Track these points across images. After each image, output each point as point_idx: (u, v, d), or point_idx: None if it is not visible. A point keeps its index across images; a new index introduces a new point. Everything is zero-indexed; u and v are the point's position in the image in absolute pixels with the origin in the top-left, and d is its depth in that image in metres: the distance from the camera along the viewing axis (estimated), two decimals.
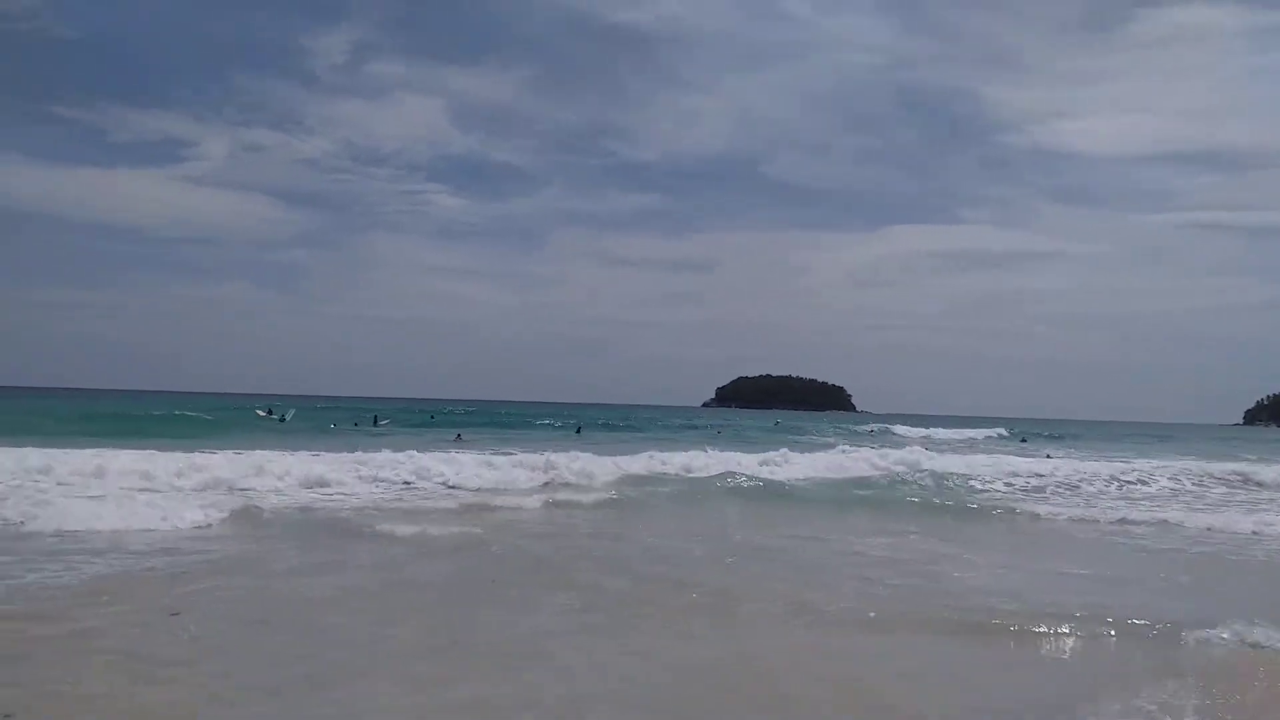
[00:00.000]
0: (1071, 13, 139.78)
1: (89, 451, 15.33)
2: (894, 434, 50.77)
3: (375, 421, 43.72)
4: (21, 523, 9.87)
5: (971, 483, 18.67)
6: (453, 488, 15.32)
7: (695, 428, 51.81)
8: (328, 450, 19.44)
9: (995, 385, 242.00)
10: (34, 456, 14.25)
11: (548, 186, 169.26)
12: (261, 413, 44.54)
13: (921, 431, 52.56)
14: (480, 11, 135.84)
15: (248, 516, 11.35)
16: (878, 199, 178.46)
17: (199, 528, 10.40)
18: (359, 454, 17.58)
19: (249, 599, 7.22)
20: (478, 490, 15.09)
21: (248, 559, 8.91)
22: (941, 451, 31.52)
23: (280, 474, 14.57)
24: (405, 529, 10.72)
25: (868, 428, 58.91)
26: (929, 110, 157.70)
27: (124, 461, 14.49)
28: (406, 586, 7.91)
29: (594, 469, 17.30)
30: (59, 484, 12.89)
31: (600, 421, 52.61)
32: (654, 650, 6.05)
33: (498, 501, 13.73)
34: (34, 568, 7.83)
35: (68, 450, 15.26)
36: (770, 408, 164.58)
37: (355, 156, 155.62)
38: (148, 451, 15.64)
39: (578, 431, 41.46)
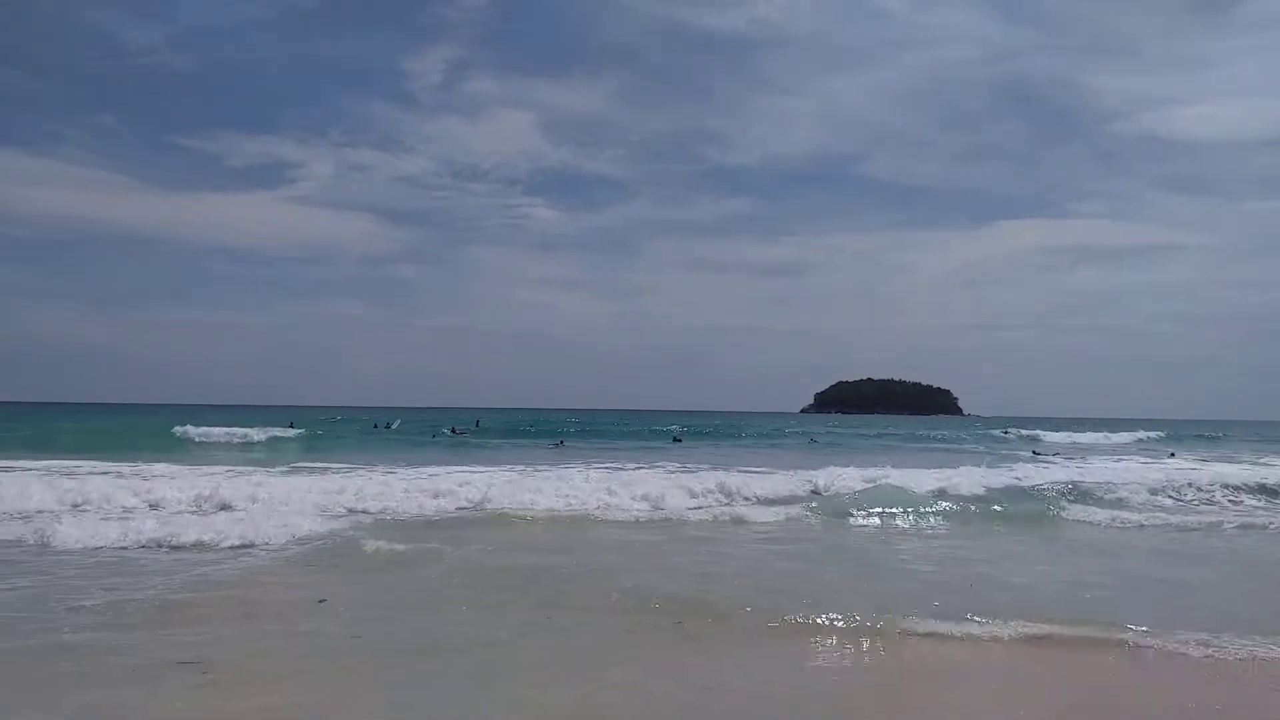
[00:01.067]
0: None
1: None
2: (1040, 440, 48.31)
3: (477, 425, 45.00)
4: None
5: (1133, 494, 16.89)
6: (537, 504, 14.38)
7: (797, 433, 51.09)
8: (452, 463, 20.07)
9: (1112, 386, 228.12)
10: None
11: (640, 195, 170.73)
12: (377, 425, 46.54)
13: (1061, 437, 49.82)
14: (569, 23, 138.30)
15: (382, 525, 12.04)
16: (981, 195, 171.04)
17: (328, 533, 11.06)
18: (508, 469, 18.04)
19: (379, 592, 8.05)
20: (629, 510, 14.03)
21: (375, 562, 9.52)
22: (1082, 458, 30.01)
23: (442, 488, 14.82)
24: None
25: (1003, 433, 56.21)
26: (1033, 102, 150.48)
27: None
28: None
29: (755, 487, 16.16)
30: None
31: (699, 429, 52.48)
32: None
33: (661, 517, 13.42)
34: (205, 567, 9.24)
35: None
36: (872, 413, 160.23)
37: (455, 173, 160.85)
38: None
39: (676, 441, 41.54)
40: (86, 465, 17.79)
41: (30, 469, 16.43)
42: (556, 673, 5.59)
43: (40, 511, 11.99)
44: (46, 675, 5.36)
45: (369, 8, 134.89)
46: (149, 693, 5.11)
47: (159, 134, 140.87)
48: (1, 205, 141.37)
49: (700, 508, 14.34)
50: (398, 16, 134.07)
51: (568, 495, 14.59)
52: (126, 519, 11.19)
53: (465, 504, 13.96)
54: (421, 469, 17.66)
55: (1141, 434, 55.25)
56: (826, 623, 6.71)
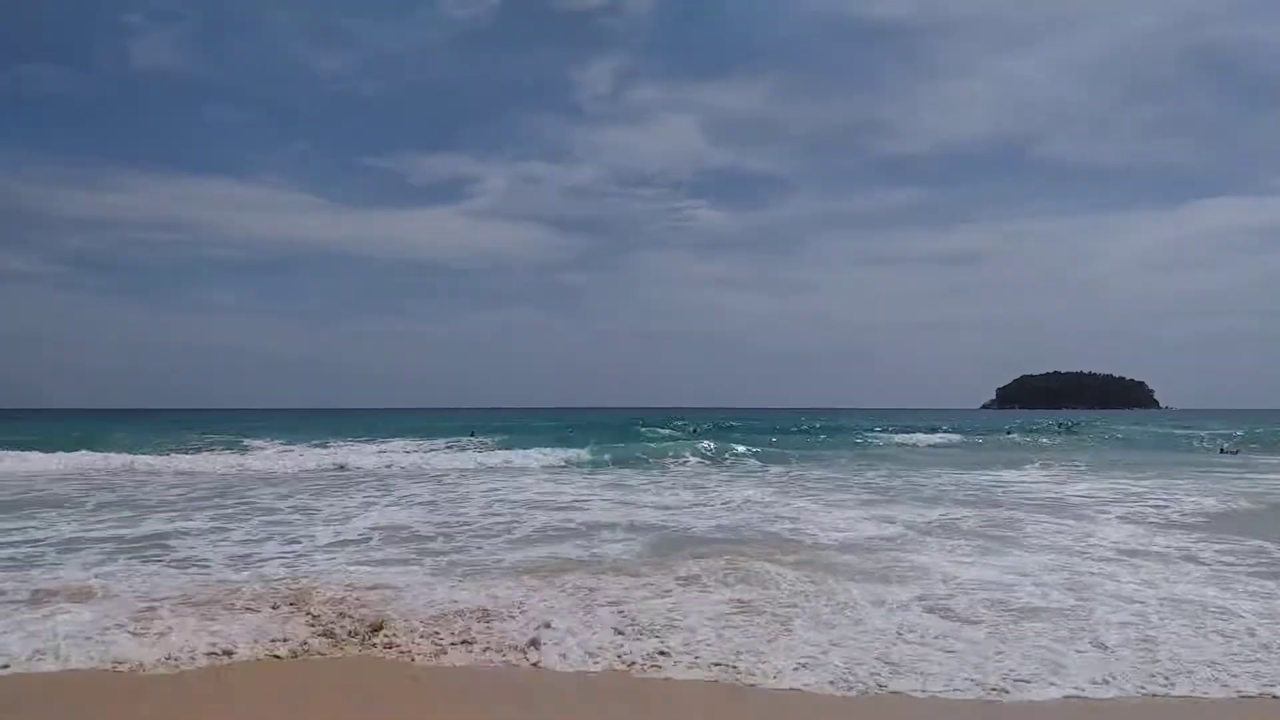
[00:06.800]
0: None
1: None
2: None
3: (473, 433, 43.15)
4: None
5: None
6: None
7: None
8: None
9: None
10: None
11: (804, 191, 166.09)
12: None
13: None
14: (731, 25, 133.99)
15: None
16: (1173, 173, 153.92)
17: None
18: None
19: None
20: None
21: None
22: None
23: None
24: None
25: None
26: (1228, 70, 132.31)
27: None
28: None
29: None
30: None
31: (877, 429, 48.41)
32: None
33: None
34: None
35: None
36: (1058, 408, 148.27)
37: (621, 180, 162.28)
38: None
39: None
40: None
41: None
42: None
43: None
44: None
45: (540, 24, 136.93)
46: None
47: (348, 156, 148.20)
48: (218, 230, 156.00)
49: None
50: (567, 30, 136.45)
51: None
52: None
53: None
54: None
55: None
56: None
